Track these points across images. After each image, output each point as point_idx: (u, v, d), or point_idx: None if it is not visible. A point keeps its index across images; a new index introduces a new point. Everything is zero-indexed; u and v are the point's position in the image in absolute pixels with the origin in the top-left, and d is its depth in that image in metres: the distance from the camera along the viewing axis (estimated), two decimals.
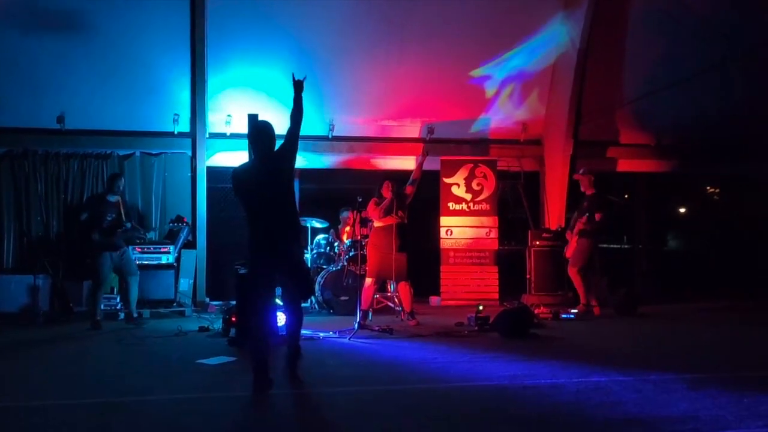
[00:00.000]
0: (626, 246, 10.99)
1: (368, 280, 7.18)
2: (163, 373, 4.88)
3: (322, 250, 8.74)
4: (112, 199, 7.36)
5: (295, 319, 4.57)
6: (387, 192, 7.22)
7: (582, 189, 8.15)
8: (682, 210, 12.39)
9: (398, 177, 7.65)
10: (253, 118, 7.20)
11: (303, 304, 5.97)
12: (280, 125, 9.67)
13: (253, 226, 4.39)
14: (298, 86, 4.60)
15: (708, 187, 12.19)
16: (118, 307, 7.83)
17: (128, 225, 7.32)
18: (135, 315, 7.33)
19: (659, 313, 7.96)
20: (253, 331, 4.39)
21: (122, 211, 7.30)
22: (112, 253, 7.18)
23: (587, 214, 7.81)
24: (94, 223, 7.19)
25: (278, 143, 4.51)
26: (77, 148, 8.92)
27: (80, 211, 7.50)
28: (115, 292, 7.89)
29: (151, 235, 8.38)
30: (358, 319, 6.53)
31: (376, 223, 7.22)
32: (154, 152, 9.09)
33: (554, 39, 9.27)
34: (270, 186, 4.38)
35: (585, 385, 4.28)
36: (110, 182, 7.56)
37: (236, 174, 4.49)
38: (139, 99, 8.87)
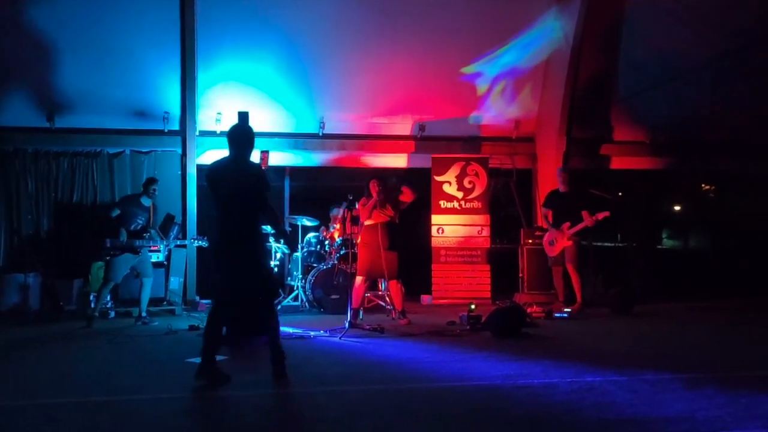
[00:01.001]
0: (620, 244, 10.96)
1: (358, 279, 7.14)
2: (153, 372, 4.85)
3: (313, 249, 8.68)
4: (146, 203, 7.40)
5: (269, 319, 4.49)
6: (374, 190, 7.16)
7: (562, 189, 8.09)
8: (677, 208, 12.38)
9: (389, 174, 7.61)
10: (243, 116, 7.13)
11: (278, 305, 5.93)
12: (270, 120, 9.68)
13: (217, 225, 4.45)
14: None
15: (702, 185, 12.18)
16: (109, 306, 7.80)
17: (153, 232, 7.39)
18: (144, 315, 7.31)
19: (654, 312, 7.93)
20: (208, 329, 4.40)
21: (151, 218, 7.37)
22: (131, 255, 7.21)
23: (591, 216, 7.68)
24: (123, 223, 7.23)
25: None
26: (67, 147, 8.86)
27: (112, 208, 7.48)
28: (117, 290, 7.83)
29: (171, 244, 8.20)
30: (349, 318, 6.47)
31: (365, 222, 7.18)
32: (144, 150, 9.01)
33: (547, 35, 9.21)
34: (240, 190, 4.42)
35: (579, 385, 4.23)
36: (146, 186, 7.56)
37: (212, 168, 4.60)
38: (129, 97, 8.82)
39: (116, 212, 7.31)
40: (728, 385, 4.22)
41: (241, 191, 4.41)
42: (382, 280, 8.12)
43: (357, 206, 7.11)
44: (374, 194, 7.16)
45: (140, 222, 7.34)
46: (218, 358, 4.81)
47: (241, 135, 4.59)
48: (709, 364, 5.02)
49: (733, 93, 9.42)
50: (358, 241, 7.31)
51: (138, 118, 8.98)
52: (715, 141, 9.85)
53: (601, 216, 7.67)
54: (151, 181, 7.56)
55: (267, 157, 8.00)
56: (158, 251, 8.08)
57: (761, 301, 9.00)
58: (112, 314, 7.80)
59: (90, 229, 8.53)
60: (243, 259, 4.39)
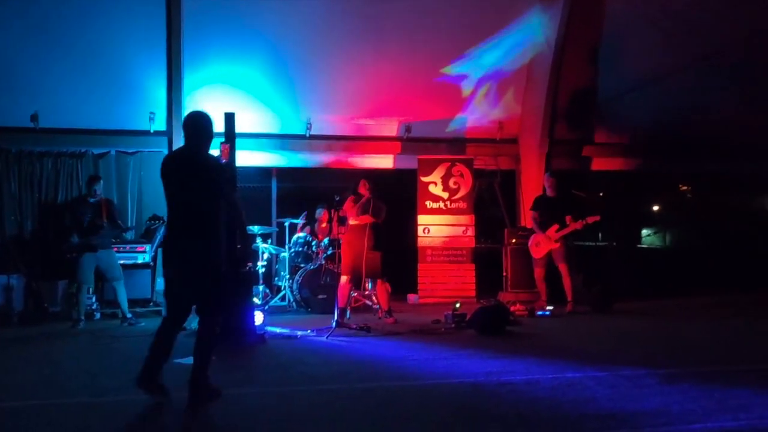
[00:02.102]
0: (601, 243, 11.14)
1: (343, 278, 7.20)
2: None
3: (300, 249, 8.74)
4: (93, 200, 7.35)
5: (200, 338, 4.01)
6: (364, 190, 7.26)
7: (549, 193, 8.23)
8: (656, 207, 12.60)
9: (376, 175, 7.67)
10: (229, 117, 7.17)
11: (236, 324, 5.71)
12: (257, 122, 9.68)
13: (168, 223, 4.15)
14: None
15: (681, 185, 12.42)
16: (94, 307, 7.80)
17: (105, 224, 7.27)
18: (129, 316, 7.31)
19: (634, 310, 8.09)
20: (157, 334, 4.02)
21: (104, 213, 7.30)
22: (93, 254, 7.17)
23: (581, 220, 7.80)
24: (74, 225, 7.21)
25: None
26: (51, 147, 8.80)
27: (62, 213, 7.44)
28: (90, 292, 7.81)
29: (130, 234, 8.31)
30: (335, 318, 6.56)
31: (351, 221, 7.26)
32: (129, 151, 9.01)
33: (530, 38, 9.36)
34: (189, 182, 4.04)
35: (560, 381, 4.36)
36: (88, 185, 7.54)
37: (164, 160, 4.24)
38: (115, 97, 8.77)
39: (67, 217, 7.31)
40: (702, 379, 4.38)
41: (190, 183, 4.02)
42: (369, 279, 8.23)
43: (344, 206, 7.19)
44: (364, 194, 7.24)
45: (88, 220, 7.24)
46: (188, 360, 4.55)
47: (191, 124, 4.16)
48: (684, 359, 5.19)
49: (710, 95, 9.63)
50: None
51: (124, 119, 8.94)
52: (692, 142, 10.05)
53: (591, 220, 7.81)
54: (92, 180, 7.49)
55: (228, 150, 7.84)
56: (144, 252, 8.13)
57: (737, 298, 9.23)
58: (98, 315, 7.79)
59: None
60: (190, 257, 3.97)
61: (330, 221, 8.29)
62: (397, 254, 9.16)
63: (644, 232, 12.81)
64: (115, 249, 7.83)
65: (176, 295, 4.07)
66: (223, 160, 4.68)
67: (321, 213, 9.07)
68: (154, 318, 7.70)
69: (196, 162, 4.08)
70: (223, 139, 6.20)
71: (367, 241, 7.06)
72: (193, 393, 3.87)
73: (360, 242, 7.09)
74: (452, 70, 9.40)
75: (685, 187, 12.36)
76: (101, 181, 7.59)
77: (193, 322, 6.71)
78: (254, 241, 8.53)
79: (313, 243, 8.72)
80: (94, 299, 7.80)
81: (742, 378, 4.43)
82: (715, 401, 3.84)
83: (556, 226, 7.91)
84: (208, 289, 4.00)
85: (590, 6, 9.14)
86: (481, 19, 9.07)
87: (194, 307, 4.13)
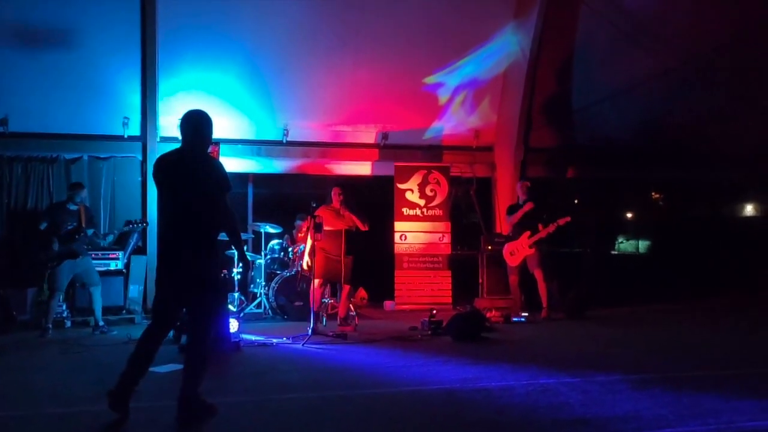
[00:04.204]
0: (576, 250, 11.28)
1: (316, 282, 7.14)
2: (113, 382, 4.75)
3: (276, 255, 8.70)
4: (72, 207, 7.24)
5: (193, 351, 3.81)
6: (336, 198, 7.32)
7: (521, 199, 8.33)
8: (629, 214, 12.80)
9: (353, 182, 7.67)
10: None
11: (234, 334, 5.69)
12: (232, 127, 9.61)
13: (163, 229, 3.91)
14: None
15: (653, 192, 12.64)
16: (65, 315, 7.64)
17: (89, 232, 7.21)
18: (101, 324, 7.19)
19: (607, 316, 8.20)
20: (135, 353, 3.84)
21: (83, 219, 7.21)
22: (72, 261, 7.06)
23: (552, 223, 7.89)
24: (54, 232, 7.08)
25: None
26: (21, 152, 8.65)
27: (40, 220, 7.29)
28: (61, 300, 7.67)
29: (109, 239, 8.15)
30: (311, 325, 6.53)
31: (326, 228, 7.23)
32: (102, 156, 8.89)
33: (505, 48, 9.49)
34: (186, 183, 3.81)
35: (534, 387, 4.40)
36: (70, 192, 7.41)
37: (157, 160, 3.99)
38: (88, 101, 8.67)
39: (44, 225, 7.13)
40: (673, 384, 4.45)
41: (191, 185, 3.79)
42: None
43: (318, 213, 7.15)
44: (336, 201, 7.30)
45: (69, 228, 7.14)
46: (177, 367, 4.45)
47: (191, 122, 3.91)
48: (656, 365, 5.27)
49: (682, 104, 9.84)
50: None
51: (97, 124, 8.82)
52: (666, 150, 10.25)
53: (562, 222, 7.91)
54: (75, 187, 7.39)
55: (217, 151, 7.76)
56: (117, 259, 8.01)
57: (709, 304, 9.40)
58: (69, 324, 7.63)
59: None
60: (189, 266, 3.76)
61: (307, 229, 8.26)
62: (373, 261, 9.19)
63: (618, 239, 12.99)
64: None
65: (169, 304, 3.89)
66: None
67: (300, 223, 9.04)
68: (126, 326, 7.58)
69: (197, 162, 3.85)
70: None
71: (344, 246, 7.11)
72: (184, 408, 3.68)
73: (337, 247, 7.14)
74: (429, 78, 9.46)
75: (657, 195, 12.59)
76: (84, 189, 7.47)
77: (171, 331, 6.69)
78: (229, 248, 8.47)
79: (290, 249, 8.69)
80: (64, 307, 7.65)
81: (712, 383, 4.51)
82: (685, 406, 3.91)
83: (528, 233, 8.01)
84: (205, 300, 3.82)
85: (563, 18, 9.30)
86: (457, 29, 9.16)
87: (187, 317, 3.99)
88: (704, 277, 10.39)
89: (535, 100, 9.56)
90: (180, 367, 5.01)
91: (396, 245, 9.54)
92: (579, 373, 4.80)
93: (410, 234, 9.58)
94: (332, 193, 7.40)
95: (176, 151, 3.97)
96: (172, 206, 3.85)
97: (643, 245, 12.63)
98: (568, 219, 7.93)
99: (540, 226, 7.97)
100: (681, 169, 10.57)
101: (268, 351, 5.99)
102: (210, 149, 4.23)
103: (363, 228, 7.37)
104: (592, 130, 10.22)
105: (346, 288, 7.36)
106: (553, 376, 4.72)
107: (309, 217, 7.03)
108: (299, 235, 8.89)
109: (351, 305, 7.97)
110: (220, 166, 4.00)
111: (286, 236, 9.02)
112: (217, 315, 4.20)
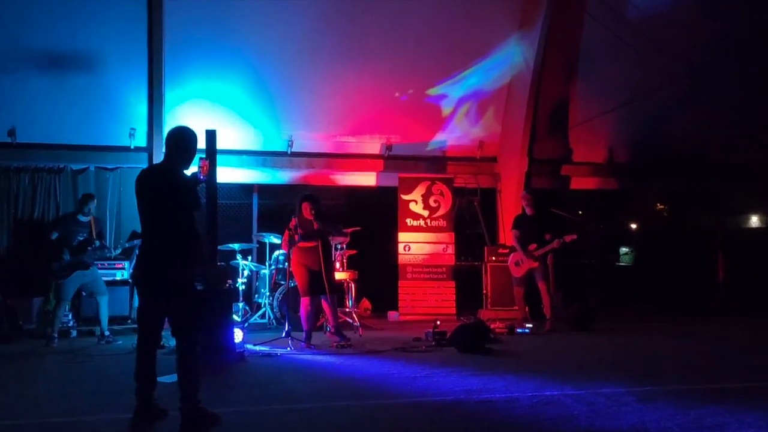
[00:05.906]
0: (580, 261, 11.24)
1: (304, 300, 6.91)
2: (116, 392, 4.77)
3: (281, 266, 8.71)
4: (83, 219, 7.29)
5: (182, 359, 3.88)
6: (308, 213, 6.94)
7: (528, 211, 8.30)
8: (633, 226, 12.76)
9: (358, 192, 7.61)
10: (210, 135, 7.16)
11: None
12: (238, 138, 9.65)
13: (143, 242, 4.09)
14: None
15: (657, 204, 12.61)
16: (71, 324, 7.68)
17: (97, 243, 7.25)
18: (107, 333, 7.21)
19: (612, 328, 8.15)
20: (136, 365, 3.97)
21: (93, 231, 7.26)
22: (81, 271, 7.09)
23: (558, 238, 7.85)
24: (64, 243, 7.12)
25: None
26: (29, 162, 8.69)
27: (50, 230, 7.33)
28: (67, 309, 7.70)
29: (117, 251, 8.17)
30: (303, 340, 6.58)
31: (300, 243, 6.90)
32: (109, 167, 8.93)
33: (509, 59, 9.53)
34: (157, 200, 3.98)
35: (538, 399, 4.38)
36: (81, 203, 7.45)
37: (138, 174, 4.13)
38: (95, 112, 8.71)
39: (55, 235, 7.18)
40: (679, 397, 4.43)
41: (161, 200, 3.96)
42: (348, 297, 8.23)
43: (291, 225, 6.86)
44: (308, 216, 6.92)
45: (80, 239, 7.20)
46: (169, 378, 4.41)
47: (173, 139, 4.08)
48: (662, 377, 5.23)
49: (687, 116, 9.84)
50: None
51: (103, 134, 8.87)
52: (670, 162, 10.24)
53: (568, 239, 7.86)
54: (86, 198, 7.44)
55: (207, 166, 7.67)
56: (123, 269, 8.03)
57: (713, 316, 9.35)
58: (74, 333, 7.67)
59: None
60: (163, 276, 3.89)
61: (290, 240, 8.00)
62: (377, 271, 9.19)
63: (622, 250, 12.94)
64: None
65: (149, 314, 4.01)
66: (203, 176, 4.55)
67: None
68: (131, 336, 7.57)
69: (168, 179, 4.02)
70: (203, 155, 6.13)
71: (322, 257, 6.82)
72: (185, 417, 3.74)
73: (316, 262, 6.81)
74: (435, 90, 9.51)
75: (661, 207, 12.56)
76: (95, 200, 7.51)
77: (171, 340, 6.69)
78: (234, 258, 8.49)
79: None
80: (70, 316, 7.68)
81: (718, 396, 4.48)
82: (691, 419, 3.89)
83: (534, 245, 7.98)
84: (182, 308, 3.93)
85: (567, 29, 9.34)
86: (462, 41, 9.22)
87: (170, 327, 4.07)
88: (711, 288, 10.33)
89: (539, 111, 9.58)
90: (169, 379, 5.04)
91: (400, 256, 9.54)
92: (584, 384, 4.77)
93: (414, 245, 9.59)
94: (302, 207, 6.97)
95: (156, 165, 4.21)
96: (146, 219, 4.03)
97: (648, 257, 12.57)
98: (575, 237, 7.88)
99: (548, 237, 7.94)
100: (688, 180, 10.54)
101: (272, 361, 6.00)
102: (200, 163, 4.31)
103: (342, 239, 7.13)
104: (597, 141, 10.23)
105: (331, 298, 6.94)
106: (558, 387, 4.70)
107: (286, 231, 6.86)
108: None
109: (354, 315, 7.97)
110: (187, 185, 4.10)
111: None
112: (200, 322, 4.21)
